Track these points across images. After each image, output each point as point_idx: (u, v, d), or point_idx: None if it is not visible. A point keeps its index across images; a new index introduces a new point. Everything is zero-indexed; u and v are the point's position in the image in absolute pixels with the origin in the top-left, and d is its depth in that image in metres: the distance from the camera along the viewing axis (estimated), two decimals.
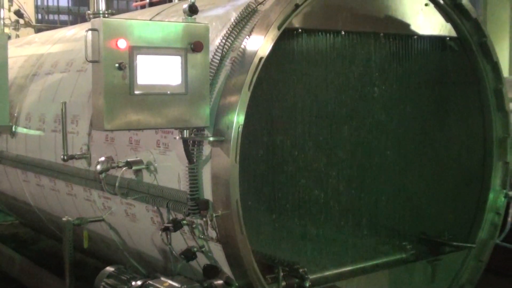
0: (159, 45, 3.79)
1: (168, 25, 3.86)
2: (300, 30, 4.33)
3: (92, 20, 3.88)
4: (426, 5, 4.89)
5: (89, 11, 7.21)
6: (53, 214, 6.32)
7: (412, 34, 4.89)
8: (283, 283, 4.37)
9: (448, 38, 5.08)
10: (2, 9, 9.57)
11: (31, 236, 9.13)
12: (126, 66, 3.69)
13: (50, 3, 14.04)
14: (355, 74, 4.73)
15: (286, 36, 4.26)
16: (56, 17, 14.18)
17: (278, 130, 4.44)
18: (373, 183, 5.06)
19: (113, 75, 3.68)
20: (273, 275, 4.35)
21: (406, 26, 4.82)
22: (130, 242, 5.17)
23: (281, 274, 4.35)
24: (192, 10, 3.95)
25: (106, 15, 6.64)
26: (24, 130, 6.41)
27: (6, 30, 9.74)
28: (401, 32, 4.83)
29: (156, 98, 3.81)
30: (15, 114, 6.57)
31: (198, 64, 3.92)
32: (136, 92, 3.74)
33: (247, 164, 4.25)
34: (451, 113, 5.33)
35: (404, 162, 5.18)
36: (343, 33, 4.53)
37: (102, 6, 6.93)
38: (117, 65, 3.67)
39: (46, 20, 13.97)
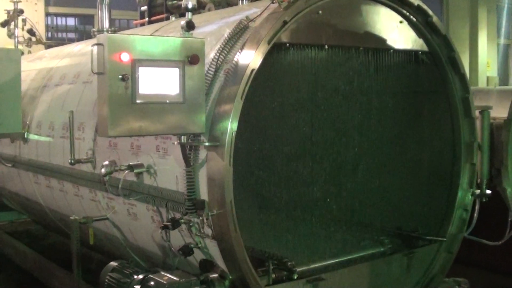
0: (159, 58, 3.65)
1: (167, 40, 3.72)
2: (287, 45, 4.19)
3: (98, 35, 3.72)
4: (400, 22, 4.78)
5: (94, 29, 7.05)
6: (62, 213, 6.15)
7: (389, 48, 4.78)
8: (273, 275, 4.24)
9: (420, 52, 4.97)
10: (17, 28, 9.38)
11: (42, 232, 8.92)
12: (129, 78, 3.54)
13: (59, 23, 13.83)
14: (338, 84, 4.61)
15: (275, 50, 4.14)
16: (64, 35, 14.00)
17: (268, 135, 4.32)
18: (354, 183, 4.98)
19: (116, 85, 3.53)
20: (264, 268, 4.22)
21: (383, 41, 4.70)
22: (132, 239, 5.01)
23: (271, 267, 4.22)
24: (189, 26, 3.81)
25: (110, 32, 6.49)
26: (35, 137, 6.23)
27: (20, 47, 9.53)
28: (378, 46, 4.72)
29: (156, 106, 3.66)
30: (27, 122, 6.39)
31: (195, 75, 3.78)
32: (138, 101, 3.59)
33: (240, 166, 4.12)
34: (423, 119, 5.23)
35: (382, 164, 5.09)
36: (326, 47, 4.40)
37: (106, 24, 6.78)
38: (120, 76, 3.53)
39: (55, 38, 13.77)
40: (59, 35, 14.20)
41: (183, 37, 3.77)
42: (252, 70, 3.82)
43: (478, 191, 5.20)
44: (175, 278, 3.93)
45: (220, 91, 3.91)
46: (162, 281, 3.91)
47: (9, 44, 9.52)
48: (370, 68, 4.75)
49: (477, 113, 5.23)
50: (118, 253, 5.53)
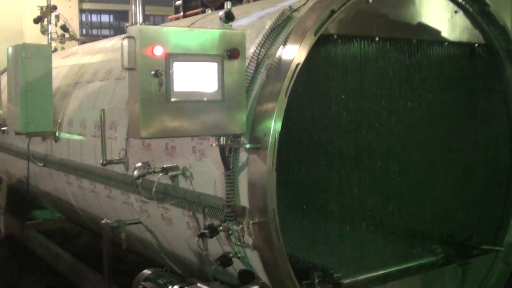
0: (195, 52, 3.28)
1: (204, 32, 3.34)
2: (335, 36, 3.77)
3: (129, 27, 3.37)
4: (455, 12, 4.33)
5: (127, 24, 6.73)
6: (94, 214, 5.85)
7: (443, 40, 4.33)
8: None
9: (476, 45, 4.51)
10: (50, 25, 9.14)
11: (76, 231, 8.68)
12: (163, 73, 3.18)
13: (94, 19, 13.63)
14: (389, 79, 4.17)
15: (321, 43, 3.73)
16: (99, 31, 13.79)
17: (313, 136, 3.90)
18: (403, 187, 4.50)
19: (149, 82, 3.17)
20: (308, 281, 3.82)
21: (437, 32, 4.26)
22: (166, 244, 4.66)
23: (316, 280, 3.82)
24: (229, 17, 3.43)
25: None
26: (67, 135, 5.93)
27: (53, 43, 9.30)
28: (432, 39, 4.27)
29: (193, 105, 3.29)
30: (59, 120, 6.09)
31: (235, 71, 3.40)
32: (173, 99, 3.23)
33: (283, 170, 3.73)
34: (478, 119, 4.75)
35: (433, 167, 4.62)
36: (377, 39, 3.98)
37: (140, 19, 6.44)
38: (153, 72, 3.16)
39: (89, 35, 13.57)
40: (94, 32, 13.99)
41: (221, 29, 3.38)
42: (297, 64, 3.43)
43: None
44: None
45: (262, 88, 3.52)
46: None
47: (43, 40, 9.30)
48: (423, 62, 4.29)
49: None
50: (152, 258, 5.20)
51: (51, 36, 9.25)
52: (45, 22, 9.14)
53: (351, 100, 3.96)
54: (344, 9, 3.70)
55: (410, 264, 4.39)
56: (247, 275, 3.76)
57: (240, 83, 3.42)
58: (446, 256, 4.58)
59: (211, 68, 3.32)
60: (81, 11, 13.19)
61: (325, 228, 4.10)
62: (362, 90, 4.02)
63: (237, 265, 3.82)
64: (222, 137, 3.50)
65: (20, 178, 7.74)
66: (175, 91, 3.22)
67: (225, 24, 3.42)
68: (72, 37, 9.84)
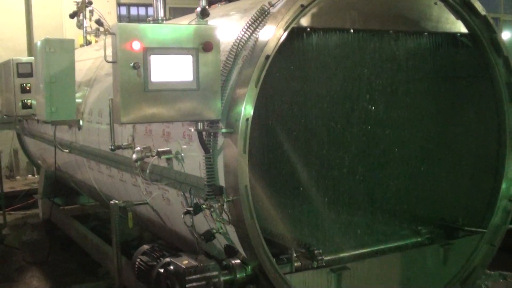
0: (171, 46, 3.70)
1: (179, 27, 3.76)
2: (309, 30, 4.13)
3: (111, 25, 3.82)
4: (435, 3, 4.58)
5: (149, 18, 7.19)
6: (112, 197, 6.36)
7: (422, 30, 4.60)
8: (298, 263, 4.22)
9: (459, 35, 4.75)
10: (85, 19, 9.75)
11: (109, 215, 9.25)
12: (140, 66, 3.62)
13: (133, 13, 14.23)
14: (367, 70, 4.49)
15: (295, 36, 4.09)
16: None
17: (290, 121, 4.27)
18: (393, 170, 4.81)
19: (129, 74, 3.62)
20: (286, 255, 4.21)
21: (416, 23, 4.53)
22: (168, 222, 5.13)
23: (294, 255, 4.20)
24: (204, 13, 3.84)
25: (165, 21, 6.59)
26: (87, 124, 6.48)
27: (88, 37, 9.91)
28: (411, 29, 4.54)
29: (169, 93, 3.72)
30: (81, 110, 6.65)
31: (209, 62, 3.80)
32: (150, 88, 3.66)
33: (261, 152, 4.12)
34: (466, 106, 5.00)
35: (424, 152, 4.92)
36: (352, 31, 4.30)
37: (161, 13, 6.88)
38: (132, 64, 3.61)
39: None
40: None
41: (196, 24, 3.80)
42: (267, 56, 3.79)
43: None
44: (193, 263, 3.99)
45: (236, 77, 3.91)
46: (181, 265, 3.98)
47: (80, 34, 9.96)
48: (402, 53, 4.58)
49: None
50: (160, 235, 5.68)
51: (86, 30, 9.89)
52: (81, 17, 9.75)
53: (325, 88, 4.30)
54: (317, 3, 4.02)
55: (393, 244, 4.70)
56: (230, 250, 4.18)
57: (214, 73, 3.82)
58: (432, 237, 4.87)
59: (187, 60, 3.74)
60: (119, 4, 13.81)
61: (312, 208, 4.47)
62: (338, 80, 4.35)
63: (222, 241, 4.24)
64: (199, 123, 3.91)
65: (52, 164, 8.36)
66: (152, 82, 3.66)
67: (201, 20, 3.83)
68: (107, 31, 10.39)
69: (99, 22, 10.38)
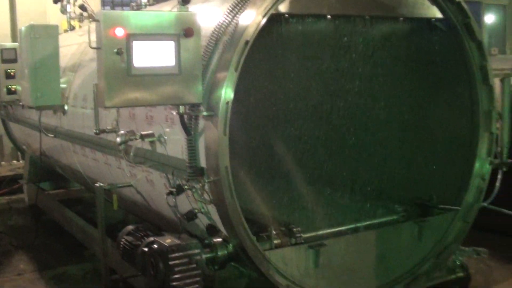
0: (153, 32, 3.84)
1: (161, 14, 3.90)
2: (286, 16, 4.28)
3: (96, 12, 3.95)
4: None
5: (133, 3, 7.28)
6: (96, 180, 6.50)
7: (398, 15, 4.76)
8: (278, 241, 4.39)
9: (433, 20, 4.93)
10: (68, 4, 9.82)
11: (94, 200, 9.38)
12: (124, 51, 3.76)
13: None
14: (344, 55, 4.66)
15: (274, 22, 4.24)
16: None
17: (271, 104, 4.44)
18: (370, 151, 5.01)
19: (112, 59, 3.75)
20: (266, 233, 4.38)
21: (392, 8, 4.69)
22: (153, 204, 5.28)
23: (274, 232, 4.38)
24: (185, 0, 3.97)
25: (148, 6, 6.67)
26: (72, 109, 6.59)
27: (72, 22, 9.97)
28: (386, 14, 4.71)
29: (152, 78, 3.87)
30: (66, 95, 6.75)
31: (190, 47, 3.95)
32: (133, 73, 3.81)
33: (241, 134, 4.28)
34: (440, 88, 5.20)
35: (400, 134, 5.11)
36: (329, 17, 4.45)
37: None
38: (115, 50, 3.74)
39: None
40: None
41: (178, 11, 3.93)
42: (247, 41, 3.93)
43: (497, 161, 5.15)
44: (176, 241, 4.16)
45: (217, 62, 4.06)
46: (164, 243, 4.15)
47: (64, 20, 10.01)
48: (378, 38, 4.75)
49: (497, 81, 5.16)
50: (144, 217, 5.84)
51: (70, 16, 9.95)
52: (64, 2, 9.82)
53: (305, 72, 4.47)
54: None
55: (369, 222, 4.91)
56: (212, 229, 4.35)
57: (195, 58, 3.97)
58: (407, 215, 5.08)
59: (169, 46, 3.88)
60: None
61: (288, 188, 4.65)
62: (316, 65, 4.52)
63: (205, 221, 4.41)
64: (181, 106, 4.06)
65: (37, 150, 8.47)
66: (135, 67, 3.80)
67: (182, 7, 3.96)
68: (90, 16, 10.46)
69: (82, 7, 10.42)
